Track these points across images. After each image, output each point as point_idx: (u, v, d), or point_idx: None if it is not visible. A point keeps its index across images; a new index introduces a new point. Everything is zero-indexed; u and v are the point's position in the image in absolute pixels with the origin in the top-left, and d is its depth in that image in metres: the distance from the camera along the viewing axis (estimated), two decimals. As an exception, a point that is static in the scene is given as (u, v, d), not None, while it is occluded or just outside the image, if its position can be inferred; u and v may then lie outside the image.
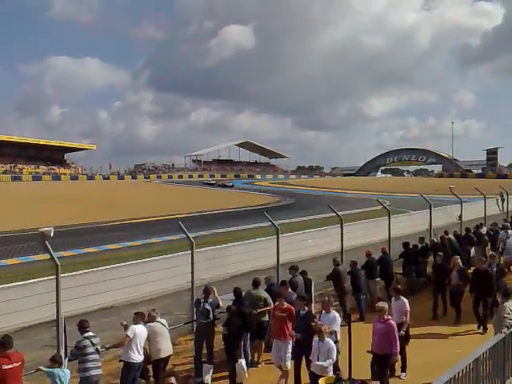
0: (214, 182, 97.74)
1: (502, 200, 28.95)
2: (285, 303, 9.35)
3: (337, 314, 9.12)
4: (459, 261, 12.82)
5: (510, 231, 18.16)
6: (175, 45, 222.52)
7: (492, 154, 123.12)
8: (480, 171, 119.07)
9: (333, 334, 8.49)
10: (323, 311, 9.10)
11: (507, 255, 16.78)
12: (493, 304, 10.86)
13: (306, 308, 9.18)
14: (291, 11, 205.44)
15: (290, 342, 9.00)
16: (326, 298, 9.45)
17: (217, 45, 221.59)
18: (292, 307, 9.26)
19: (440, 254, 13.59)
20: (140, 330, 8.49)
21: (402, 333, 9.11)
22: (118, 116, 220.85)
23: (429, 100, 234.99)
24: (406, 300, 9.71)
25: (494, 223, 19.95)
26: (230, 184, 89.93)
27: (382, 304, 8.47)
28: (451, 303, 12.47)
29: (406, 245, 15.36)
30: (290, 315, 9.12)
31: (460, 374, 5.47)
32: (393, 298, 9.91)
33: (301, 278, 11.58)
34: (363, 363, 8.41)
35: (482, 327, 11.37)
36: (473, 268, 13.00)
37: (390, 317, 8.46)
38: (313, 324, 8.51)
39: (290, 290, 10.59)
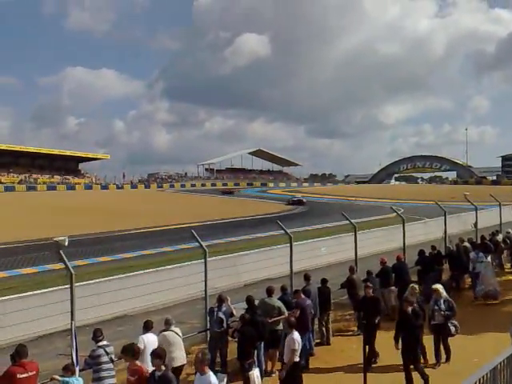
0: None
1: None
2: (137, 363, 7.31)
3: (214, 379, 6.60)
4: (417, 290, 10.64)
5: (481, 255, 15.43)
6: (190, 54, 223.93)
7: (507, 160, 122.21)
8: (495, 178, 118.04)
9: None
10: (197, 373, 6.79)
11: (481, 286, 14.72)
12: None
13: (163, 368, 6.92)
14: (305, 19, 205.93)
15: None
16: (200, 354, 6.72)
17: (231, 54, 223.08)
18: (144, 369, 7.23)
19: (370, 284, 11.31)
20: (150, 340, 8.49)
21: (282, 374, 8.36)
22: (132, 126, 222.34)
23: (443, 106, 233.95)
24: (296, 336, 8.51)
25: None
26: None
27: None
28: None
29: (421, 252, 15.27)
30: (141, 380, 7.07)
31: (477, 384, 5.39)
32: (287, 333, 8.77)
33: (314, 287, 11.55)
34: (378, 372, 8.33)
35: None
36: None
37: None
38: None
39: (302, 296, 10.65)
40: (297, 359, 8.39)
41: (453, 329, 10.16)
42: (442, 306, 10.23)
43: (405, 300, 9.70)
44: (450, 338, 10.21)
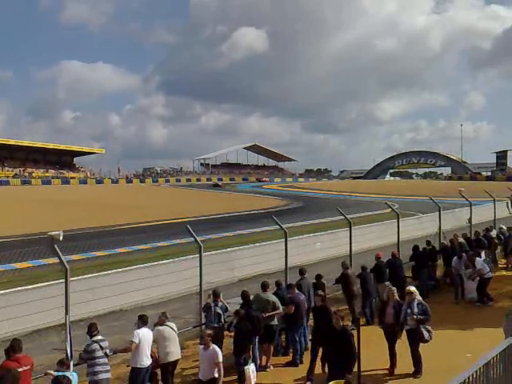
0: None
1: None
2: None
3: None
4: (395, 293, 10.01)
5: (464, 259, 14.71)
6: (186, 48, 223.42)
7: (501, 156, 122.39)
8: (489, 174, 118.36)
9: None
10: None
11: (469, 295, 14.31)
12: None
13: None
14: (302, 14, 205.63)
15: None
16: None
17: (227, 48, 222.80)
18: None
19: (320, 293, 10.38)
20: (145, 334, 8.50)
21: None
22: (128, 120, 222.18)
23: (439, 102, 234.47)
24: (218, 349, 8.15)
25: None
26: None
27: None
28: (389, 348, 9.76)
29: (415, 248, 15.31)
30: None
31: (470, 379, 5.42)
32: (201, 347, 8.25)
33: (308, 281, 11.59)
34: (373, 366, 8.36)
35: None
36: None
37: None
38: None
39: (296, 290, 10.71)
40: (216, 375, 8.00)
41: (426, 334, 9.39)
42: (415, 310, 9.54)
43: (334, 313, 8.82)
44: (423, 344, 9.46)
